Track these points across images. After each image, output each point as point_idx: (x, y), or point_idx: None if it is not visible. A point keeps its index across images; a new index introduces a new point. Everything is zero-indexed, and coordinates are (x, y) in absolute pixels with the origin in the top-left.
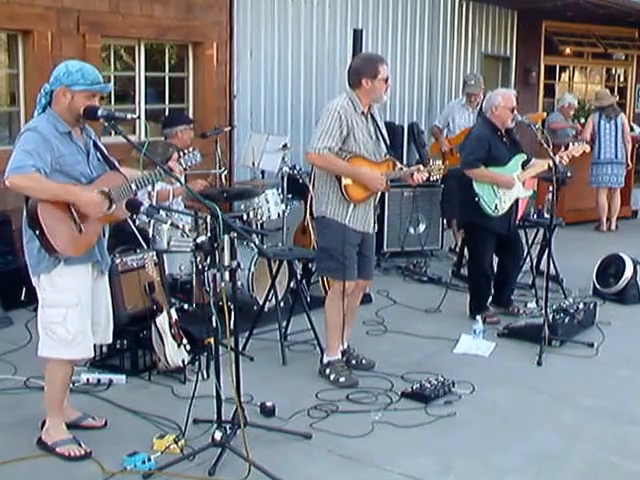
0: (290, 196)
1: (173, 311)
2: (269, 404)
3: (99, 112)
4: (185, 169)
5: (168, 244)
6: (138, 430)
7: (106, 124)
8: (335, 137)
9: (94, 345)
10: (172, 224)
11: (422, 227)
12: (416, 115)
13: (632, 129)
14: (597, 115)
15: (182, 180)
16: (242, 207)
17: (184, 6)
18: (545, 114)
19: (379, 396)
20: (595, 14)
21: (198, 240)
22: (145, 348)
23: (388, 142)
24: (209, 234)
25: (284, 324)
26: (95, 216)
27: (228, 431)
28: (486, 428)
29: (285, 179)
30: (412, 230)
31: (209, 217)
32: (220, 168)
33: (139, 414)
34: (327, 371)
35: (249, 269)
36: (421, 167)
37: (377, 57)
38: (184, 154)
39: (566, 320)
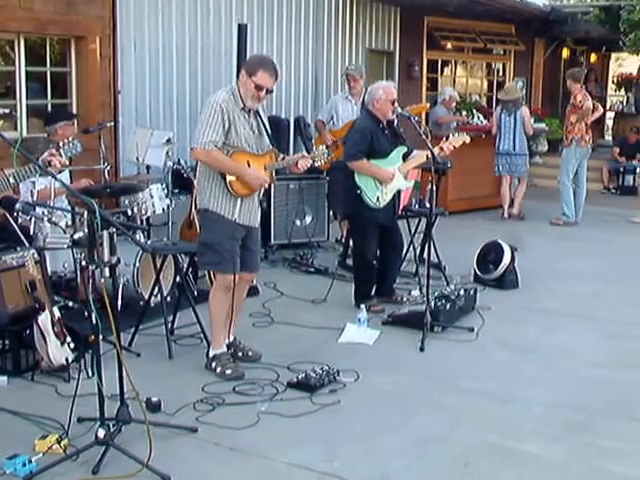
0: (176, 191)
1: (56, 309)
2: (155, 399)
3: None
4: (68, 159)
5: (44, 241)
6: (19, 432)
7: None
8: (219, 131)
9: None
10: (49, 221)
11: (308, 219)
12: (302, 109)
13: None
14: (499, 108)
15: (56, 175)
16: (127, 202)
17: (65, 0)
18: (428, 105)
19: (265, 387)
20: (474, 11)
21: (75, 236)
22: (27, 348)
23: (271, 135)
24: (86, 230)
25: (170, 319)
26: None
27: (112, 428)
28: (370, 414)
29: (170, 174)
30: (299, 222)
31: (86, 213)
32: (104, 164)
33: (20, 415)
34: (213, 364)
35: (134, 264)
36: (305, 154)
37: (266, 63)
38: (63, 144)
39: (447, 306)
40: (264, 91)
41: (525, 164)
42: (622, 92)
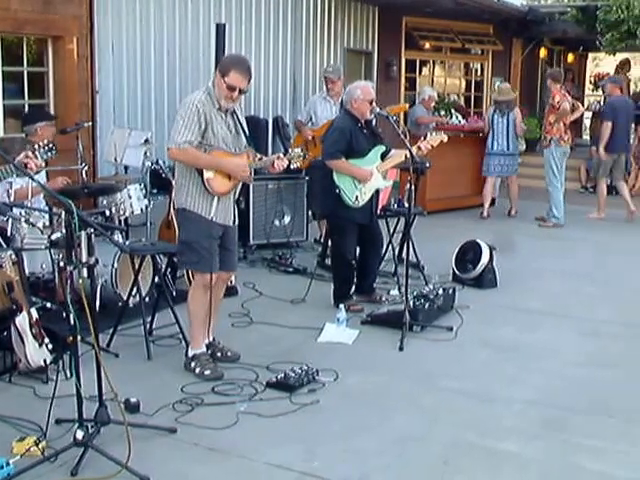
0: (154, 191)
1: (34, 310)
2: (134, 400)
3: None
4: (44, 162)
5: (21, 242)
6: None
7: None
8: (194, 131)
9: None
10: (27, 222)
11: (287, 219)
12: (280, 109)
13: None
14: (492, 109)
15: (34, 176)
16: (105, 203)
17: None
18: (407, 105)
19: (244, 387)
20: (453, 11)
21: (53, 237)
22: (5, 349)
23: (248, 135)
24: (64, 231)
25: (149, 319)
26: None
27: (91, 430)
28: (350, 414)
29: (149, 174)
30: (277, 222)
31: (64, 213)
32: (81, 164)
33: None
34: (192, 364)
35: (112, 265)
36: (281, 155)
37: (239, 63)
38: (39, 147)
39: (426, 306)
40: (236, 91)
41: (517, 163)
42: (599, 92)
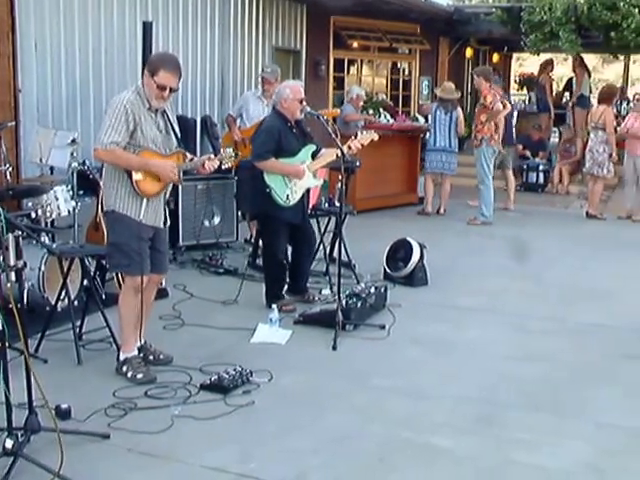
0: (81, 192)
1: None
2: (64, 406)
3: None
4: None
5: None
6: None
7: None
8: (122, 132)
9: None
10: None
11: (217, 219)
12: (209, 108)
13: (417, 119)
14: (435, 105)
15: None
16: (30, 205)
17: None
18: (339, 111)
19: (178, 390)
20: (380, 10)
21: None
22: None
23: (179, 135)
24: None
25: (78, 323)
26: None
27: (20, 438)
28: (284, 414)
29: (75, 175)
30: (207, 223)
31: None
32: (5, 165)
33: None
34: (124, 368)
35: (39, 268)
36: (212, 156)
37: (168, 61)
38: None
39: (358, 304)
40: (167, 90)
41: (456, 162)
42: (524, 91)
